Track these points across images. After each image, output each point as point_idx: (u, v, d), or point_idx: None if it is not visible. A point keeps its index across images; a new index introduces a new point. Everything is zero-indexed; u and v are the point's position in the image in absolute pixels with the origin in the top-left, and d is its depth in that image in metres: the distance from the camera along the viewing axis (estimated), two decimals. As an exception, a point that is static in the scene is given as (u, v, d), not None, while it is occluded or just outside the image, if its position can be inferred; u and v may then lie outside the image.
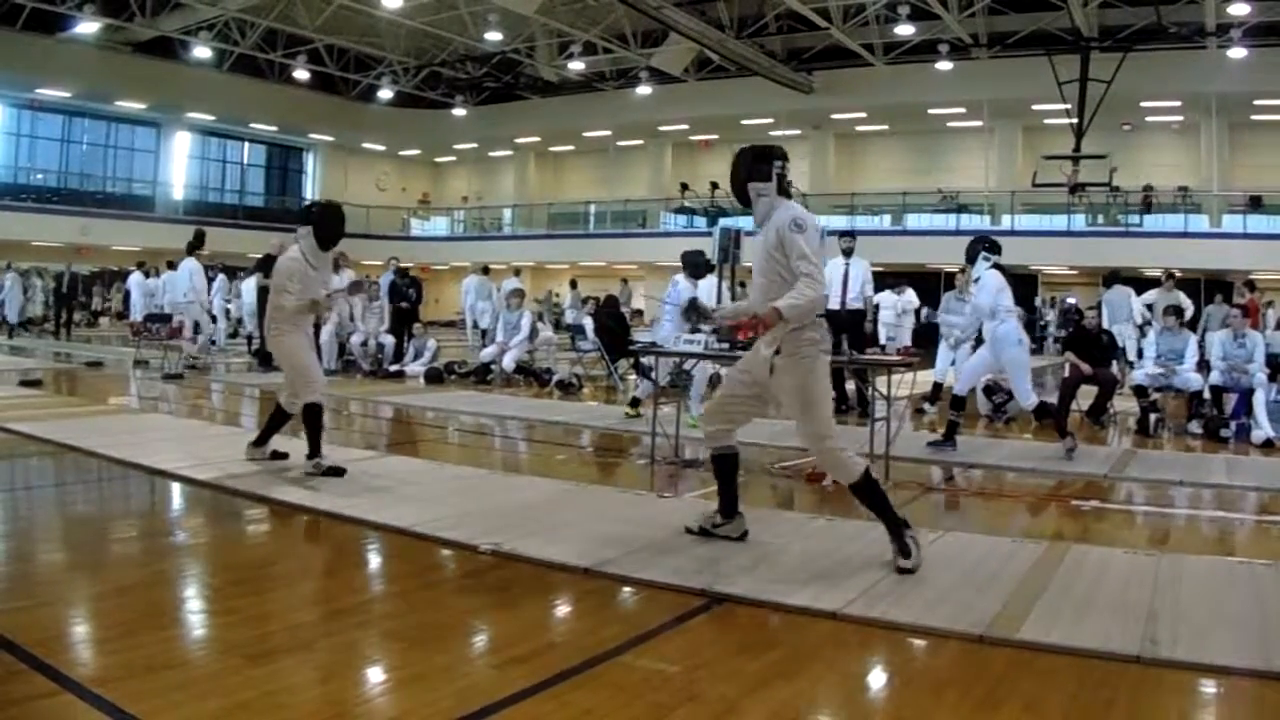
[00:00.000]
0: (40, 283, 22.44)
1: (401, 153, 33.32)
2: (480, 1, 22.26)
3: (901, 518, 3.94)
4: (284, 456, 5.77)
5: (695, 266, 8.05)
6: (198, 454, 5.93)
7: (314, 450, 5.47)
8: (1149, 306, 11.37)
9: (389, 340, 12.78)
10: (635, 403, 8.76)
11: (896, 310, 13.81)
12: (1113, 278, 12.28)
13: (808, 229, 3.92)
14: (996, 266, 6.97)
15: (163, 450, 6.08)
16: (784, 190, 4.09)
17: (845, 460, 3.96)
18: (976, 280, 6.95)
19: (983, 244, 7.01)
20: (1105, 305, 11.78)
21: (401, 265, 14.00)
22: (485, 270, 18.20)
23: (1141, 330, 10.91)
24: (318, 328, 12.68)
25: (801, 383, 3.96)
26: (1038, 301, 22.44)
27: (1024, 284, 22.83)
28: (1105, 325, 11.18)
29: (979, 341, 10.47)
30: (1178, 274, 11.82)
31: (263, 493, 5.06)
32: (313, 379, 5.58)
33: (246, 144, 31.07)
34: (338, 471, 5.44)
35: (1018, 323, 7.00)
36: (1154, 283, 12.78)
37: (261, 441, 5.79)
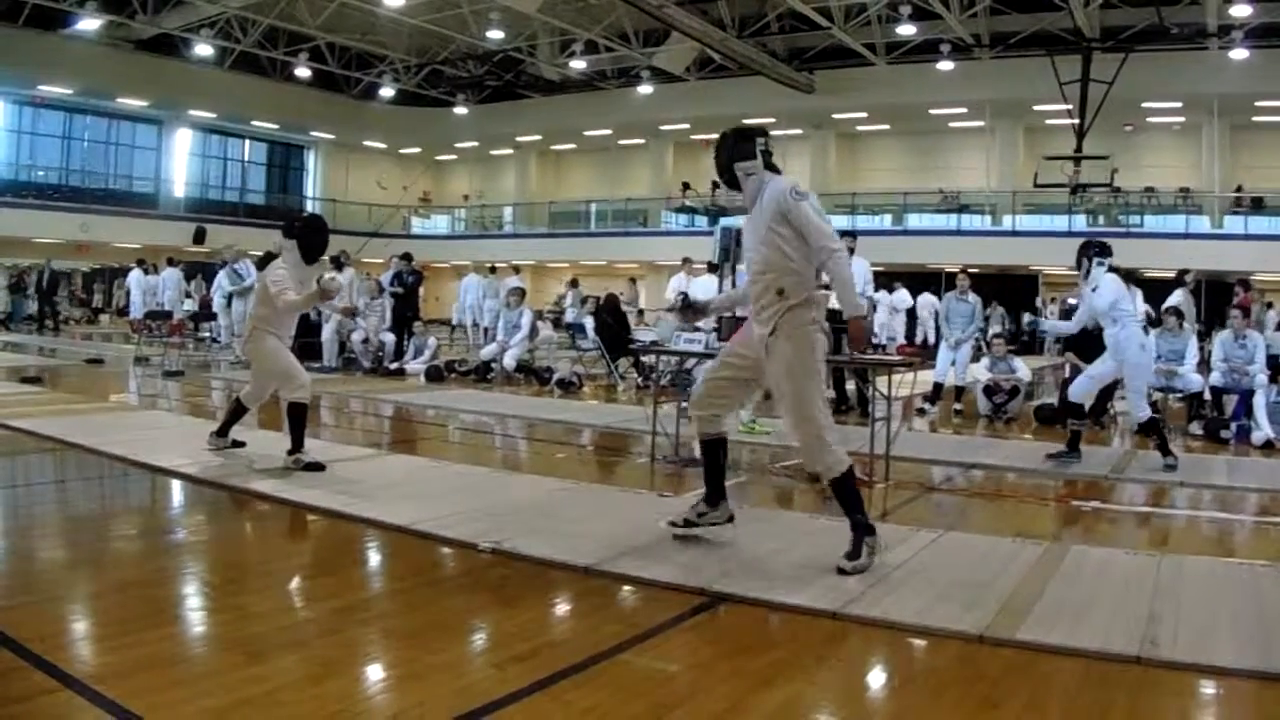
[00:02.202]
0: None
1: (402, 151, 33.30)
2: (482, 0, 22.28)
3: (870, 524, 3.84)
4: (242, 445, 6.06)
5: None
6: (198, 451, 5.93)
7: (296, 445, 5.59)
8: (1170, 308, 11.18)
9: (389, 338, 12.80)
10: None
11: (888, 309, 13.83)
12: (1126, 277, 12.06)
13: (809, 195, 3.88)
14: (1112, 269, 6.77)
15: (163, 447, 6.09)
16: (770, 166, 4.02)
17: (832, 453, 3.82)
18: (1095, 289, 6.67)
19: (1094, 248, 6.81)
20: None
21: (406, 253, 14.05)
22: (492, 269, 18.23)
23: (1145, 333, 10.78)
24: (317, 327, 12.75)
25: (794, 361, 3.82)
26: (1038, 302, 22.43)
27: (1024, 284, 22.92)
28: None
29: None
30: (1192, 272, 11.70)
31: (262, 490, 5.06)
32: (300, 379, 5.70)
33: (248, 141, 31.07)
34: (317, 467, 5.53)
35: (1139, 327, 6.81)
36: (1156, 283, 12.71)
37: (222, 432, 6.06)
